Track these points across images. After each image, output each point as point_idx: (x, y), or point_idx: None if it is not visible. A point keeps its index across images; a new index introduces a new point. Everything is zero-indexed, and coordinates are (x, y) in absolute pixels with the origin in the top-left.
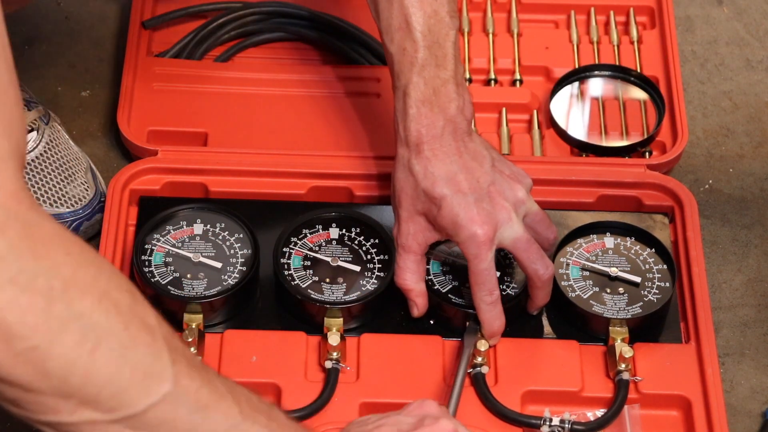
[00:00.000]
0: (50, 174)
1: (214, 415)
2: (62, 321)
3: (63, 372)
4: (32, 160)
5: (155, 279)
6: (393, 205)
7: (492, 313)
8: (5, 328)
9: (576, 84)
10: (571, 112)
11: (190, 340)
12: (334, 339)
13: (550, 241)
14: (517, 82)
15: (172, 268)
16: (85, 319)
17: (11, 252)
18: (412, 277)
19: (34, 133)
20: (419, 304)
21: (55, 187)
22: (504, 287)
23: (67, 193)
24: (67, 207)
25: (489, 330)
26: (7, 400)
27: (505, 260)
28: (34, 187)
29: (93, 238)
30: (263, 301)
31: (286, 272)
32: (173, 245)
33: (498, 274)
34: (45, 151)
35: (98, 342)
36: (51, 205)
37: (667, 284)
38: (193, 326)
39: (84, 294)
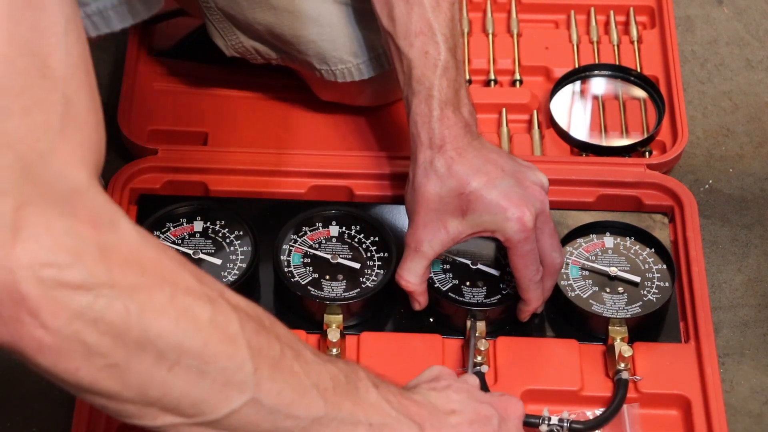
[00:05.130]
0: None
1: (297, 411)
2: (139, 342)
3: (142, 386)
4: None
5: None
6: (409, 210)
7: (539, 290)
8: (84, 347)
9: (576, 84)
10: (571, 112)
11: None
12: (333, 335)
13: None
14: (517, 83)
15: None
16: (162, 339)
17: (89, 278)
18: (415, 280)
19: None
20: (421, 301)
21: None
22: (504, 286)
23: None
24: None
25: (534, 306)
26: (96, 404)
27: (505, 259)
28: None
29: None
30: (263, 297)
31: (286, 269)
32: (173, 242)
33: (497, 273)
34: None
35: (177, 360)
36: None
37: (667, 284)
38: None
39: (161, 315)
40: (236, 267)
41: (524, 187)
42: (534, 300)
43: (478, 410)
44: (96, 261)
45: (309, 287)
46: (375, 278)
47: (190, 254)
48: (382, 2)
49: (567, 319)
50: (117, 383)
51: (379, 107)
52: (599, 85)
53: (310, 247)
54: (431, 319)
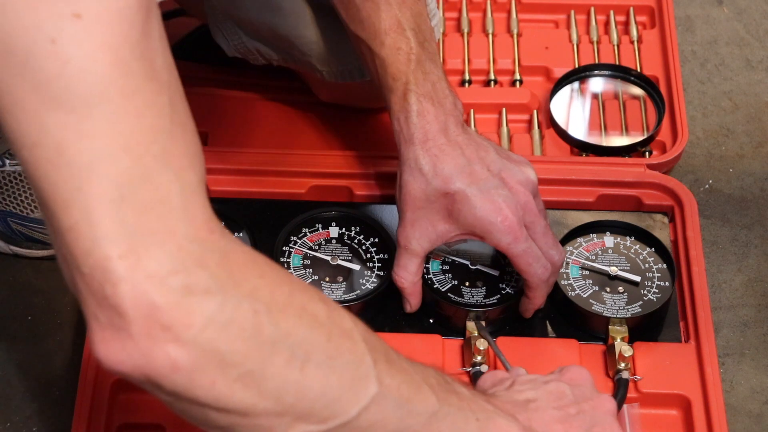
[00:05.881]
0: None
1: (417, 407)
2: (271, 342)
3: (277, 392)
4: None
5: None
6: (398, 207)
7: (546, 289)
8: (219, 357)
9: (576, 84)
10: (571, 111)
11: None
12: None
13: None
14: (517, 83)
15: None
16: (291, 337)
17: (214, 283)
18: (409, 277)
19: None
20: (412, 302)
21: None
22: (503, 286)
23: None
24: None
25: (538, 303)
26: (219, 427)
27: (504, 259)
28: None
29: None
30: None
31: None
32: None
33: (496, 273)
34: None
35: (307, 357)
36: None
37: (667, 283)
38: None
39: (285, 313)
40: None
41: (509, 188)
42: (539, 297)
43: (549, 390)
44: (219, 265)
45: None
46: (375, 280)
47: None
48: (347, 7)
49: (567, 318)
50: (253, 393)
51: (380, 107)
52: (599, 85)
53: (310, 248)
54: (431, 320)
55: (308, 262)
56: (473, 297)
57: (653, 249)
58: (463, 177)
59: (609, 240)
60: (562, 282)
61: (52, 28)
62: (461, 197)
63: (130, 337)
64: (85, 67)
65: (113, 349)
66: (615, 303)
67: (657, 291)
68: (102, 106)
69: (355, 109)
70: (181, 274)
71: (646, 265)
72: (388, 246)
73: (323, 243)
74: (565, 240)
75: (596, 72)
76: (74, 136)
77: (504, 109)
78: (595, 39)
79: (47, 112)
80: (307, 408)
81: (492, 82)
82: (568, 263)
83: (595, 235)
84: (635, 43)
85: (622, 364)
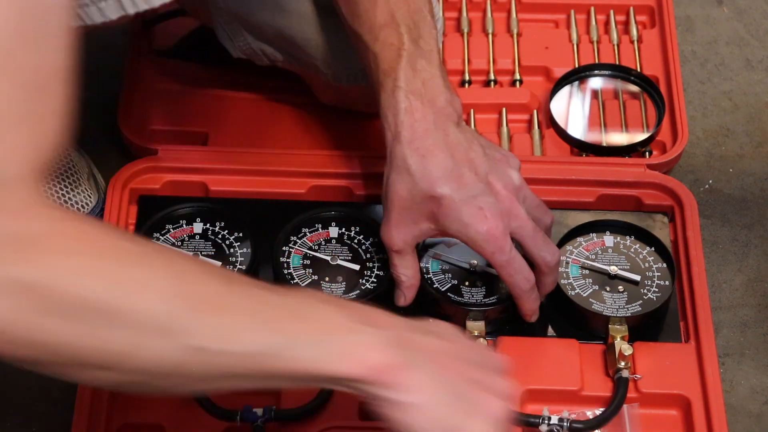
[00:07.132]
0: (54, 180)
1: None
2: (54, 307)
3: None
4: None
5: None
6: (384, 206)
7: (532, 298)
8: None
9: (576, 84)
10: (571, 111)
11: None
12: None
13: (546, 226)
14: (517, 83)
15: None
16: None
17: None
18: (407, 272)
19: None
20: (408, 295)
21: (58, 193)
22: (502, 286)
23: (70, 199)
24: None
25: (530, 313)
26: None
27: None
28: None
29: None
30: None
31: (285, 271)
32: (173, 244)
33: (496, 273)
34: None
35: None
36: None
37: (667, 283)
38: None
39: (78, 279)
40: (236, 269)
41: (494, 193)
42: (528, 308)
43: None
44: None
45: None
46: (375, 280)
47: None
48: (347, 1)
49: (567, 318)
50: None
51: None
52: (599, 84)
53: (310, 248)
54: (431, 320)
55: (308, 262)
56: (473, 297)
57: (653, 248)
58: (450, 181)
59: (609, 239)
60: (562, 281)
61: None
62: (447, 203)
63: None
64: None
65: None
66: (615, 302)
67: (657, 290)
68: None
69: (357, 113)
70: None
71: (646, 265)
72: None
73: (323, 243)
74: (565, 239)
75: (596, 72)
76: None
77: (504, 109)
78: (595, 39)
79: None
80: None
81: (492, 82)
82: (567, 262)
83: (595, 234)
84: (635, 42)
85: (622, 363)
